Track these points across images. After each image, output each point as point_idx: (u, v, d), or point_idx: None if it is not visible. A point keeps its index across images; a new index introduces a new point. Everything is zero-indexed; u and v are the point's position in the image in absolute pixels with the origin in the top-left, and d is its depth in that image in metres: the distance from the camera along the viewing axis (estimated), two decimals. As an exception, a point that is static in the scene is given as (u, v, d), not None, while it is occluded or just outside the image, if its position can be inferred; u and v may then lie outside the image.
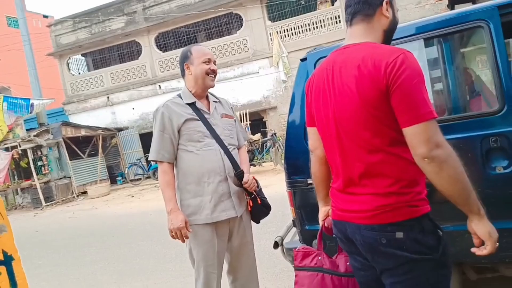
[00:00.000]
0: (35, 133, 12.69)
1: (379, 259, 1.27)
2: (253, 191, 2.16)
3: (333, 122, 1.32)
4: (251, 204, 2.18)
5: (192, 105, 2.11)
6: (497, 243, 1.20)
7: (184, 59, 2.13)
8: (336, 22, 13.56)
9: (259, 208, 2.19)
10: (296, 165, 2.48)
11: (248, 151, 11.26)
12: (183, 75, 2.18)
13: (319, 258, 1.67)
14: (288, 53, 13.58)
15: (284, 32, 14.14)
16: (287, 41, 14.03)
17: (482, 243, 1.21)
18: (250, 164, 11.46)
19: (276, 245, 2.65)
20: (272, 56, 13.90)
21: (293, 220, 2.58)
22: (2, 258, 1.25)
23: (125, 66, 16.51)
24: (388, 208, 1.21)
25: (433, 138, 1.12)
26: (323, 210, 1.67)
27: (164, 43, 15.96)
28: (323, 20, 13.70)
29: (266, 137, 11.85)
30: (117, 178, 15.32)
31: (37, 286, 4.13)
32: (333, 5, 13.80)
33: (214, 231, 2.08)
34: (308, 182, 2.39)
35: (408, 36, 2.13)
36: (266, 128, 13.59)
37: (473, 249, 1.23)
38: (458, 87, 2.14)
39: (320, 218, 1.70)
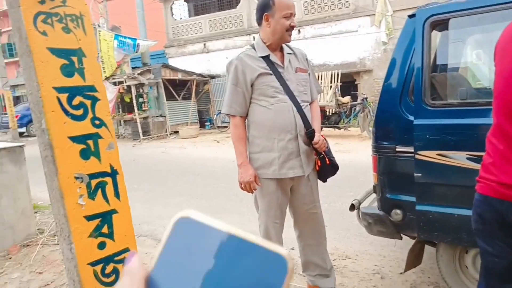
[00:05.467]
0: (139, 72, 13.84)
1: None
2: (322, 151, 2.11)
3: None
4: (319, 164, 2.14)
5: (265, 58, 2.02)
6: None
7: (264, 9, 1.97)
8: (456, -20, 11.98)
9: (327, 167, 2.16)
10: (386, 130, 2.37)
11: (335, 113, 10.98)
12: (259, 23, 2.05)
13: None
14: (393, 12, 12.50)
15: (393, -12, 12.95)
16: (394, -2, 12.87)
17: None
18: (335, 127, 11.22)
19: (352, 207, 2.63)
20: (374, 14, 12.93)
21: (374, 186, 2.51)
22: (109, 171, 1.44)
23: (223, 14, 16.78)
24: None
25: None
26: None
27: (264, -7, 15.77)
28: (441, -23, 12.20)
29: (356, 101, 11.37)
30: (206, 123, 16.17)
31: (132, 205, 4.70)
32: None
33: (279, 185, 2.10)
34: (397, 149, 2.28)
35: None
36: (357, 91, 13.02)
37: None
38: None
39: None
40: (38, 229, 3.97)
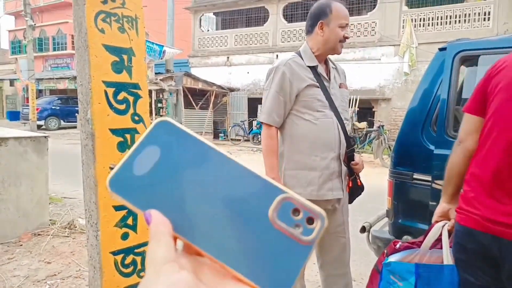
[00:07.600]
0: (161, 78, 14.16)
1: None
2: (357, 173, 2.00)
3: None
4: (351, 185, 2.00)
5: (313, 68, 1.86)
6: None
7: (320, 16, 1.84)
8: (484, 19, 12.07)
9: (357, 189, 2.05)
10: (405, 156, 2.41)
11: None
12: (309, 31, 1.90)
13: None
14: (418, 44, 12.61)
15: (420, 21, 13.09)
16: (420, 31, 13.01)
17: None
18: (349, 151, 11.20)
19: (363, 229, 2.65)
20: (399, 45, 13.07)
21: (387, 211, 2.54)
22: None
23: (249, 30, 17.13)
24: None
25: None
26: (444, 207, 1.52)
27: (291, 13, 16.08)
28: (469, 14, 12.31)
29: (372, 127, 11.39)
30: (220, 134, 16.32)
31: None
32: (485, -1, 12.27)
33: None
34: (414, 176, 2.31)
35: None
36: (373, 118, 13.04)
37: None
38: None
39: (437, 214, 1.56)
40: (50, 220, 4.05)
